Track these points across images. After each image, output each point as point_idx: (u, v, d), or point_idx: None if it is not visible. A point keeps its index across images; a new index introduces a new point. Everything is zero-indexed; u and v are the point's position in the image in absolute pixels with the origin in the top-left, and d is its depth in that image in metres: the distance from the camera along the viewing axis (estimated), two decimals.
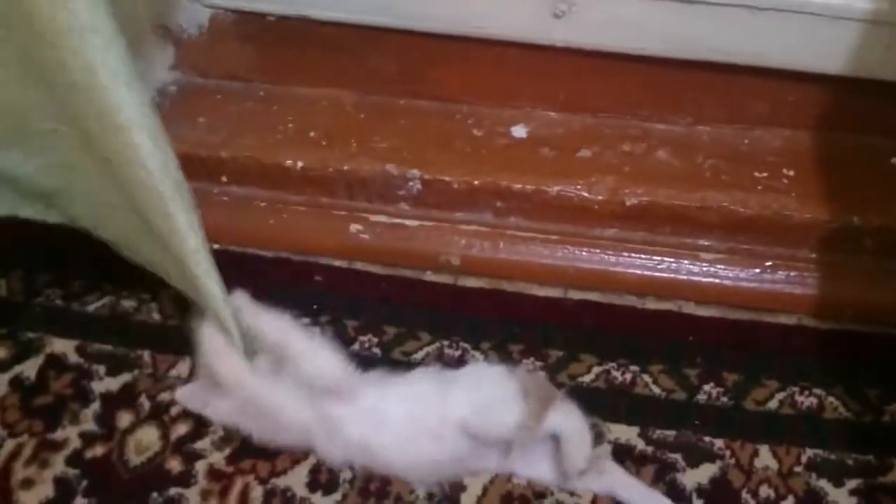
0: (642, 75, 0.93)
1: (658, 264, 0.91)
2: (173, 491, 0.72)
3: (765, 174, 0.91)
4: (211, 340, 0.71)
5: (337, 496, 0.72)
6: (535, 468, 0.73)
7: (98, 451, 0.75)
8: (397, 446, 0.70)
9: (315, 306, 0.88)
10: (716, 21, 0.85)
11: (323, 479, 0.74)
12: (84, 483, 0.73)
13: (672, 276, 0.91)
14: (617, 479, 0.73)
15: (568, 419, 0.71)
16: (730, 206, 0.88)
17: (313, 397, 0.70)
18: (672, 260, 0.91)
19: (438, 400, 0.71)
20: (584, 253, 0.91)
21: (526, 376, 0.74)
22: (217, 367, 0.71)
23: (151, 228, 0.69)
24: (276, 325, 0.74)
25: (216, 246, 0.93)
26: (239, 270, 0.92)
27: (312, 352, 0.73)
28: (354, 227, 0.95)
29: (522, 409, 0.69)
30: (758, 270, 0.90)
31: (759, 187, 0.89)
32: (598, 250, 0.91)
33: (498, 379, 0.72)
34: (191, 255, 0.69)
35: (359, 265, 0.94)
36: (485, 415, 0.70)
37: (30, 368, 0.81)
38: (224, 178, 0.95)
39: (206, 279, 0.70)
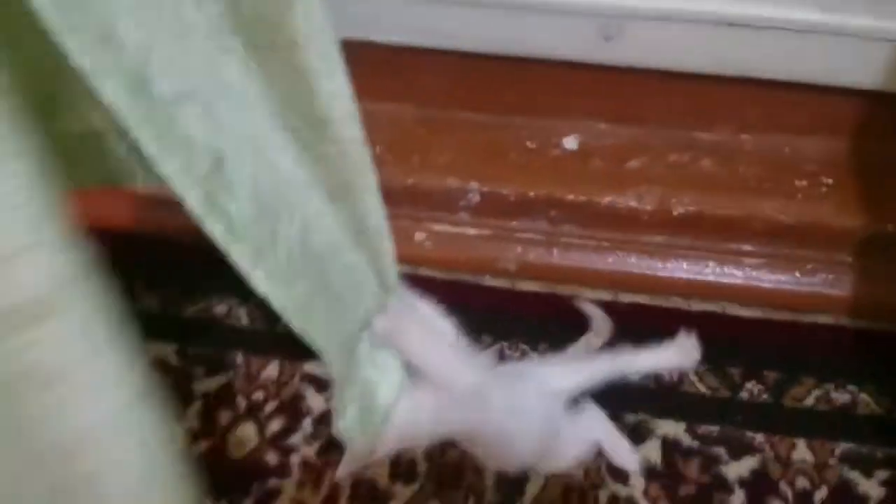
0: (687, 89, 1.00)
1: (703, 268, 0.97)
2: (272, 482, 0.82)
3: (804, 182, 0.96)
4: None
5: (415, 486, 0.81)
6: None
7: (203, 446, 0.85)
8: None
9: None
10: (758, 41, 0.91)
11: (402, 469, 0.83)
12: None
13: (717, 279, 0.97)
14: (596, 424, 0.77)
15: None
16: (771, 214, 0.95)
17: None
18: (716, 264, 0.97)
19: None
20: (633, 259, 0.98)
21: None
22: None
23: None
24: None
25: None
26: None
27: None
28: (419, 236, 1.03)
29: None
30: (797, 274, 0.96)
31: (800, 195, 0.95)
32: (646, 256, 0.98)
33: None
34: None
35: (423, 271, 1.02)
36: None
37: None
38: None
39: None
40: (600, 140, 1.02)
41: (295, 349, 0.79)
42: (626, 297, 0.97)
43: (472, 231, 1.02)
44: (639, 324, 0.95)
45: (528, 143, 1.03)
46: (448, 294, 0.98)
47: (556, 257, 1.00)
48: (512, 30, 0.97)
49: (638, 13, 0.91)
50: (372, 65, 1.04)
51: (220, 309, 0.96)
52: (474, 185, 0.99)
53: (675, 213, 0.95)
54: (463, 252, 1.02)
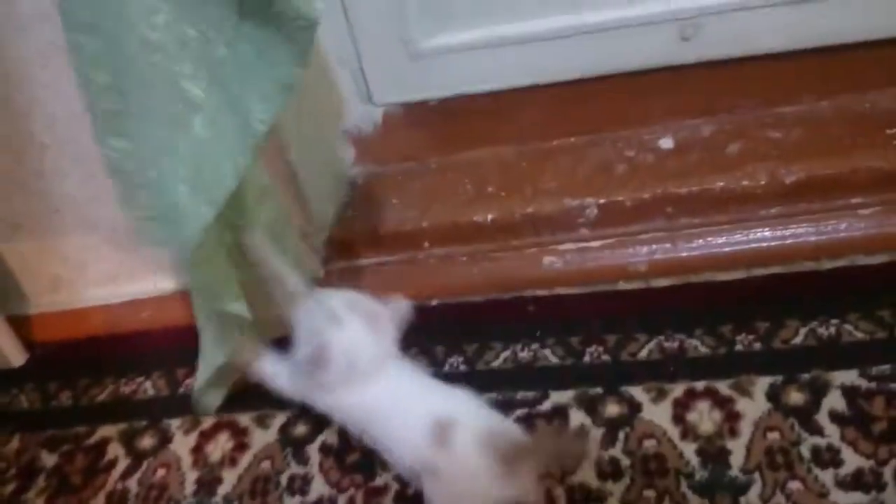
0: (763, 69, 1.07)
1: (823, 228, 1.02)
2: None
3: (894, 129, 1.02)
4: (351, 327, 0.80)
5: (626, 480, 0.85)
6: None
7: (413, 489, 0.89)
8: None
9: (538, 333, 1.02)
10: (825, 11, 0.98)
11: (607, 469, 0.86)
12: None
13: (839, 235, 1.02)
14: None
15: None
16: (873, 164, 1.00)
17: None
18: (835, 222, 1.02)
19: None
20: (756, 234, 1.04)
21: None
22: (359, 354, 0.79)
23: None
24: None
25: (434, 302, 1.09)
26: (459, 318, 1.06)
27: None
28: (547, 259, 1.09)
29: None
30: None
31: (895, 142, 1.01)
32: (767, 229, 1.03)
33: None
34: None
35: (559, 290, 1.07)
36: None
37: (331, 435, 0.96)
38: (426, 244, 1.10)
39: None
40: (694, 134, 1.09)
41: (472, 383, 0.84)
42: (760, 272, 1.02)
43: (596, 243, 1.08)
44: (777, 294, 0.99)
45: (628, 153, 1.09)
46: (589, 305, 1.04)
47: (682, 249, 1.05)
48: (595, 52, 1.04)
49: (712, 9, 0.99)
50: (468, 116, 1.13)
51: None
52: (590, 200, 1.05)
53: (787, 182, 1.01)
54: (592, 264, 1.08)
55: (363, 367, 0.82)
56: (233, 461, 0.96)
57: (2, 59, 0.93)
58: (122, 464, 0.98)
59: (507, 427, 0.82)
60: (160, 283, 1.11)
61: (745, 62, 1.05)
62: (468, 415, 0.79)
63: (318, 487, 0.91)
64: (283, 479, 0.93)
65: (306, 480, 0.92)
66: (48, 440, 1.03)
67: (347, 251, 1.10)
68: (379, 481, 0.90)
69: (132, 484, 0.96)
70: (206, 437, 0.99)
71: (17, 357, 1.13)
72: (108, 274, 1.14)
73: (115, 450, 1.00)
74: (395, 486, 0.89)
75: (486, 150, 1.14)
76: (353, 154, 1.14)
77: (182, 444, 0.99)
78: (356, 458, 0.93)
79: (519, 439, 0.79)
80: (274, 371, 0.89)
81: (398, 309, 0.86)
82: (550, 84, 1.08)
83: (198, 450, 0.98)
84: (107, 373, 1.01)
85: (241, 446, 0.97)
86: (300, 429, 0.97)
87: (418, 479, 0.81)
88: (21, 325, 1.15)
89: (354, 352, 0.81)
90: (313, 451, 0.95)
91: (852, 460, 0.81)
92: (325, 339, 0.80)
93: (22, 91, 0.96)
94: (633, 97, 1.10)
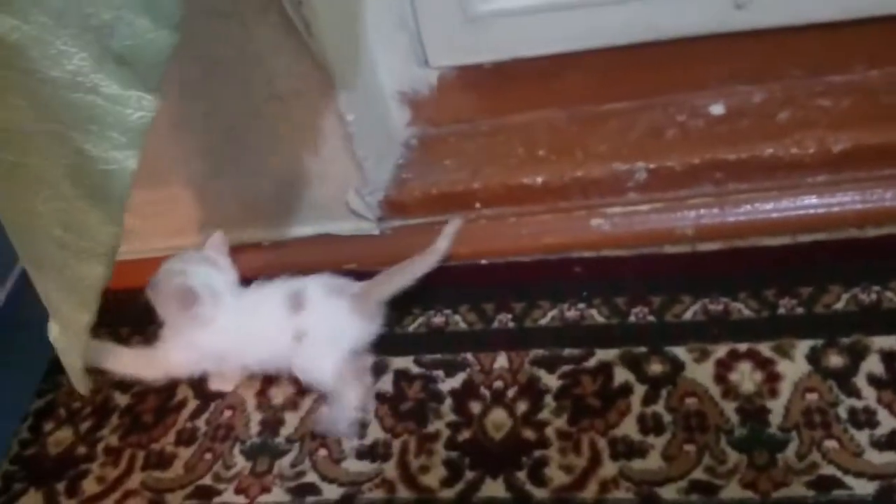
0: (814, 39, 1.08)
1: (870, 196, 1.04)
2: (537, 453, 0.91)
3: None
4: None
5: (668, 435, 0.89)
6: None
7: (465, 434, 0.94)
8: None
9: (584, 293, 1.06)
10: None
11: (650, 424, 0.91)
12: (466, 460, 0.92)
13: (884, 203, 1.04)
14: None
15: None
16: None
17: None
18: (882, 190, 1.04)
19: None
20: (803, 200, 1.06)
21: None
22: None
23: None
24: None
25: (483, 261, 1.13)
26: (508, 277, 1.10)
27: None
28: (595, 222, 1.12)
29: None
30: None
31: None
32: (814, 196, 1.05)
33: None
34: None
35: (606, 252, 1.10)
36: None
37: (385, 384, 1.01)
38: (478, 205, 1.14)
39: None
40: (745, 100, 1.10)
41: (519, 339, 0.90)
42: (805, 238, 1.04)
43: (644, 207, 1.10)
44: (821, 260, 1.02)
45: (679, 118, 1.11)
46: (635, 267, 1.07)
47: (729, 214, 1.08)
48: (648, 17, 1.06)
49: None
50: (521, 79, 1.15)
51: (437, 319, 1.07)
52: (640, 164, 1.08)
53: (834, 150, 1.02)
54: (640, 227, 1.11)
55: (223, 295, 0.98)
56: (294, 405, 1.02)
57: None
58: (192, 405, 1.05)
59: (345, 281, 1.01)
60: (227, 234, 1.16)
61: (797, 31, 1.06)
62: (310, 281, 1.00)
63: (374, 432, 0.97)
64: None
65: (363, 425, 0.98)
66: (120, 381, 1.10)
67: (401, 210, 1.14)
68: (431, 428, 0.96)
69: (200, 423, 1.03)
70: (269, 381, 1.05)
71: None
72: (175, 227, 1.20)
73: (185, 391, 1.07)
74: (446, 433, 0.94)
75: (537, 112, 1.17)
76: (409, 115, 1.18)
77: (247, 388, 1.05)
78: (410, 405, 0.98)
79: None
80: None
81: (215, 242, 1.03)
82: (603, 48, 1.10)
83: (261, 393, 1.04)
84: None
85: (300, 392, 1.03)
86: None
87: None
88: None
89: (211, 284, 0.98)
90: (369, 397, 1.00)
91: (888, 422, 0.85)
92: (184, 280, 0.97)
93: None
94: (685, 63, 1.12)
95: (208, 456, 0.99)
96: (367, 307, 1.00)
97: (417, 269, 1.03)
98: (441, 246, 1.05)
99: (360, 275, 1.06)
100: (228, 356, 1.00)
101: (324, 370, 0.97)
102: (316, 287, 0.99)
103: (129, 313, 1.13)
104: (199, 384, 1.05)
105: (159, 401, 1.06)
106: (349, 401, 0.96)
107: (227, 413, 1.03)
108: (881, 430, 0.84)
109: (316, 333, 0.96)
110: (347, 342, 0.98)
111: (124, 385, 1.09)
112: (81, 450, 1.04)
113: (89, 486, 1.00)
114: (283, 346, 0.96)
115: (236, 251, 1.10)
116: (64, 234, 0.79)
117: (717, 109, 1.10)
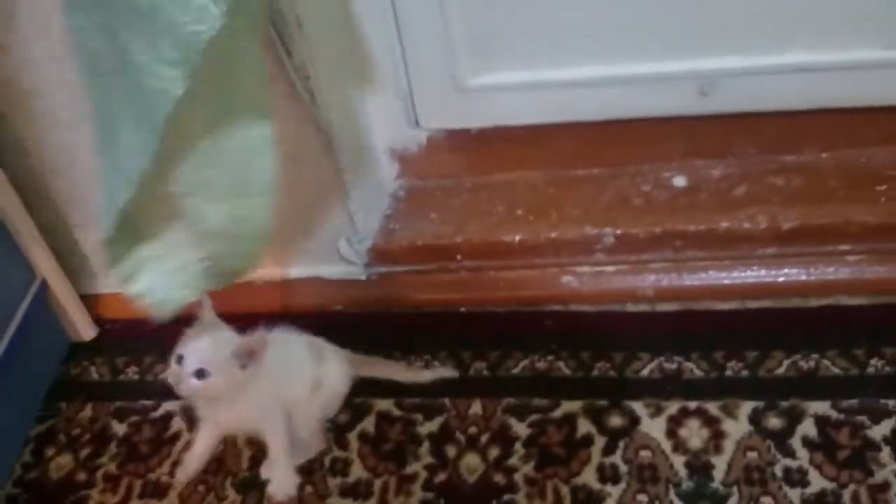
0: (773, 123, 1.19)
1: (813, 270, 1.15)
2: (506, 497, 1.00)
3: (884, 187, 1.15)
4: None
5: (622, 485, 1.00)
6: None
7: (441, 476, 1.03)
8: None
9: (553, 346, 1.16)
10: (832, 78, 1.10)
11: (608, 474, 1.01)
12: (441, 501, 1.01)
13: (826, 277, 1.15)
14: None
15: None
16: (862, 217, 1.13)
17: None
18: (824, 265, 1.15)
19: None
20: (753, 270, 1.17)
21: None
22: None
23: None
24: None
25: (462, 309, 1.23)
26: (481, 326, 1.20)
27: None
28: (566, 279, 1.22)
29: None
30: (894, 263, 1.14)
31: (883, 199, 1.14)
32: (763, 268, 1.17)
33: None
34: None
35: (574, 307, 1.21)
36: None
37: (368, 425, 1.10)
38: (459, 257, 1.23)
39: None
40: (705, 175, 1.21)
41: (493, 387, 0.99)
42: (753, 304, 1.15)
43: (610, 268, 1.21)
44: (767, 326, 1.13)
45: (644, 187, 1.22)
46: (600, 323, 1.17)
47: (686, 279, 1.19)
48: (621, 99, 1.16)
49: (729, 71, 1.11)
50: (504, 144, 1.25)
51: (418, 364, 1.16)
52: (608, 229, 1.18)
53: (784, 228, 1.13)
54: (605, 286, 1.21)
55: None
56: None
57: None
58: (185, 437, 1.13)
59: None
60: None
61: (756, 115, 1.17)
62: (314, 339, 1.08)
63: (357, 471, 1.06)
64: (326, 461, 1.07)
65: (347, 463, 1.07)
66: (117, 411, 1.17)
67: (388, 258, 1.23)
68: (409, 469, 1.05)
69: None
70: None
71: (87, 331, 1.27)
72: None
73: (178, 423, 1.14)
74: (423, 474, 1.04)
75: (518, 173, 1.26)
76: (398, 169, 1.27)
77: None
78: (390, 447, 1.08)
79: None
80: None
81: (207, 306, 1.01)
82: (581, 122, 1.20)
83: None
84: (169, 352, 1.13)
85: None
86: (342, 417, 1.11)
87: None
88: (91, 303, 1.29)
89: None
90: (353, 437, 1.09)
91: (818, 482, 0.96)
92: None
93: None
94: (653, 138, 1.22)
95: (201, 488, 1.07)
96: (353, 375, 1.09)
97: (399, 375, 1.12)
98: (426, 377, 1.12)
99: (346, 316, 1.15)
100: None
101: (326, 418, 1.06)
102: (323, 343, 1.07)
103: (126, 344, 1.21)
104: (191, 418, 1.13)
105: (154, 432, 1.14)
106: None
107: (220, 447, 1.11)
108: (811, 490, 0.95)
109: (327, 388, 1.05)
110: (340, 402, 1.08)
111: (122, 414, 1.17)
112: (81, 476, 1.11)
113: None
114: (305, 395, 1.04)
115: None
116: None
117: (680, 182, 1.20)
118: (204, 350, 0.94)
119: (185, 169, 0.83)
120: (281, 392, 1.01)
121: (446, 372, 1.12)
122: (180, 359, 0.93)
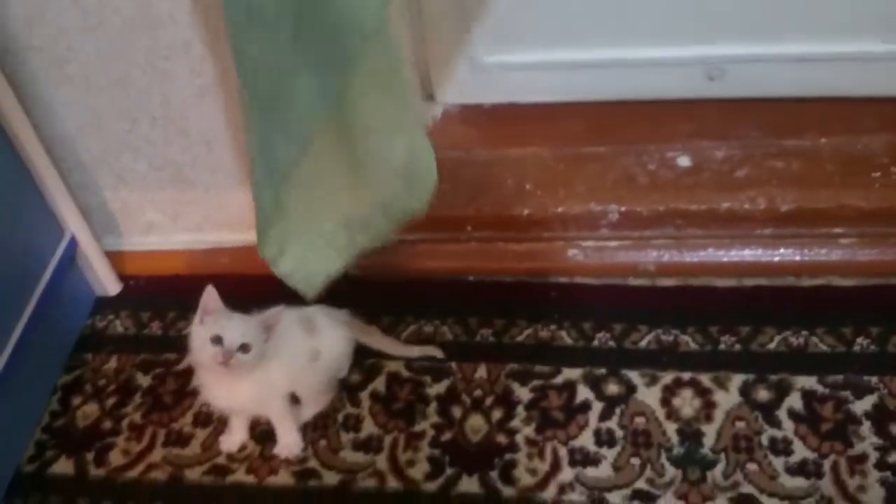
0: (776, 108, 1.23)
1: (807, 251, 1.21)
2: (508, 456, 1.07)
3: (878, 174, 1.19)
4: None
5: (618, 448, 1.06)
6: None
7: (447, 435, 1.10)
8: None
9: (556, 315, 1.22)
10: (834, 69, 1.14)
11: (604, 437, 1.08)
12: (447, 458, 1.08)
13: (819, 258, 1.21)
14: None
15: None
16: (856, 202, 1.18)
17: None
18: (818, 247, 1.21)
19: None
20: (750, 250, 1.22)
21: None
22: None
23: None
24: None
25: (471, 278, 1.28)
26: (489, 295, 1.26)
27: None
28: (571, 252, 1.27)
29: None
30: (885, 247, 1.19)
31: (877, 185, 1.19)
32: (760, 247, 1.22)
33: None
34: None
35: (578, 279, 1.26)
36: None
37: (380, 384, 1.17)
38: (469, 228, 1.28)
39: None
40: (708, 155, 1.26)
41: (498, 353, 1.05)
42: (749, 282, 1.21)
43: (613, 243, 1.26)
44: (761, 302, 1.19)
45: (650, 166, 1.26)
46: (602, 295, 1.23)
47: (686, 256, 1.24)
48: (631, 81, 1.21)
49: (736, 58, 1.15)
50: (516, 120, 1.30)
51: (428, 328, 1.22)
52: (613, 206, 1.23)
53: (782, 210, 1.18)
54: (609, 260, 1.26)
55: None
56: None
57: (134, 49, 1.11)
58: None
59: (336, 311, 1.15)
60: (239, 235, 1.30)
61: (761, 101, 1.22)
62: (315, 310, 1.12)
63: (369, 427, 1.12)
64: (340, 417, 1.14)
65: (359, 420, 1.13)
66: (142, 363, 1.24)
67: (402, 227, 1.28)
68: (418, 427, 1.11)
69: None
70: None
71: (112, 286, 1.33)
72: (195, 224, 1.34)
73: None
74: (431, 433, 1.10)
75: (528, 149, 1.31)
76: None
77: None
78: (400, 406, 1.14)
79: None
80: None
81: (212, 296, 1.04)
82: (591, 102, 1.25)
83: None
84: (190, 308, 1.18)
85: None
86: (354, 377, 1.18)
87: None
88: (116, 260, 1.35)
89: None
90: (365, 396, 1.15)
91: (801, 452, 1.02)
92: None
93: (145, 73, 1.14)
94: (659, 118, 1.27)
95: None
96: (353, 337, 1.15)
97: (389, 348, 1.18)
98: (413, 352, 1.18)
99: (359, 281, 1.21)
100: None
101: (330, 387, 1.13)
102: (317, 311, 1.12)
103: (149, 300, 1.27)
104: None
105: (178, 384, 1.20)
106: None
107: None
108: (794, 458, 1.02)
109: (327, 355, 1.10)
110: (347, 362, 1.14)
111: (146, 367, 1.23)
112: (107, 424, 1.18)
113: (115, 458, 1.14)
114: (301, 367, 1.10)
115: (241, 251, 1.24)
116: None
117: (684, 161, 1.25)
118: (242, 327, 1.01)
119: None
120: (273, 368, 1.05)
121: (432, 350, 1.18)
122: (219, 339, 0.99)
